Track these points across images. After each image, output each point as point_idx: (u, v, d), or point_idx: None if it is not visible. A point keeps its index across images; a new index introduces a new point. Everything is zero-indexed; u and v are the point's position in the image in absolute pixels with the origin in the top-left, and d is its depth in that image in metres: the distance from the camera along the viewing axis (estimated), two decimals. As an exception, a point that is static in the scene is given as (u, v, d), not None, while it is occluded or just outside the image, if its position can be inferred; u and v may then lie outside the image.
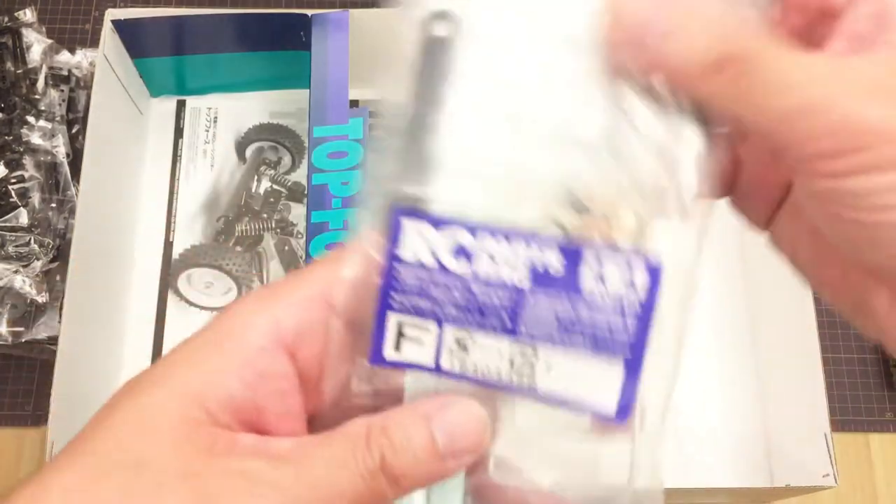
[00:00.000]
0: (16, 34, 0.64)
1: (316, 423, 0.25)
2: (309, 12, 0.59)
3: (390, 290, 0.24)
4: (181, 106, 0.68)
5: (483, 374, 0.24)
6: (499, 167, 0.24)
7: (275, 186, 0.67)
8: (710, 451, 0.59)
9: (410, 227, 0.24)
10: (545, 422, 0.25)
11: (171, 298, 0.63)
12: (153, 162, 0.67)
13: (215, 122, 0.68)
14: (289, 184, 0.67)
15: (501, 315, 0.23)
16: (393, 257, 0.24)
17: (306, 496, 0.23)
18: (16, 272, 0.59)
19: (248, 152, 0.67)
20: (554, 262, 0.23)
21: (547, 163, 0.23)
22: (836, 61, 0.22)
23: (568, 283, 0.23)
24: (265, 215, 0.66)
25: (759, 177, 0.27)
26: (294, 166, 0.67)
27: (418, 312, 0.24)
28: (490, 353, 0.24)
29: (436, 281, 0.24)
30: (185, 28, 0.61)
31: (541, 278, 0.23)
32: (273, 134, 0.68)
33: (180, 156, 0.67)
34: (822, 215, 0.23)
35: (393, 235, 0.24)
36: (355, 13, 0.59)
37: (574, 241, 0.23)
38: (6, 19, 0.65)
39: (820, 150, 0.21)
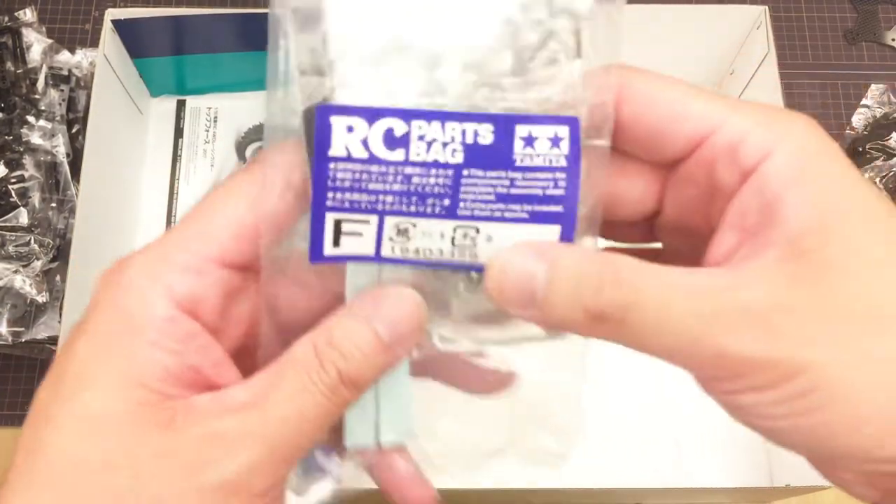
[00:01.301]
0: (16, 34, 0.64)
1: (243, 355, 0.26)
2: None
3: (325, 190, 0.23)
4: (181, 106, 0.68)
5: (425, 256, 0.24)
6: (418, 59, 0.24)
7: (275, 186, 0.67)
8: (710, 451, 0.59)
9: (339, 123, 0.23)
10: (486, 302, 0.25)
11: (171, 298, 0.63)
12: (153, 162, 0.67)
13: (215, 121, 0.68)
14: (289, 184, 0.67)
15: (440, 197, 0.24)
16: (324, 157, 0.23)
17: (279, 435, 0.23)
18: (16, 272, 0.59)
19: (248, 152, 0.67)
20: (487, 135, 0.23)
21: (466, 45, 0.24)
22: (708, 292, 0.22)
23: (501, 153, 0.24)
24: (265, 215, 0.66)
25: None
26: (294, 166, 0.67)
27: (356, 208, 0.24)
28: (431, 235, 0.24)
29: (371, 174, 0.23)
30: (185, 28, 0.61)
31: (475, 153, 0.23)
32: (273, 134, 0.68)
33: (180, 156, 0.67)
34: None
35: (322, 136, 0.23)
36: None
37: (503, 114, 0.24)
38: (6, 19, 0.65)
39: (707, 376, 0.23)
